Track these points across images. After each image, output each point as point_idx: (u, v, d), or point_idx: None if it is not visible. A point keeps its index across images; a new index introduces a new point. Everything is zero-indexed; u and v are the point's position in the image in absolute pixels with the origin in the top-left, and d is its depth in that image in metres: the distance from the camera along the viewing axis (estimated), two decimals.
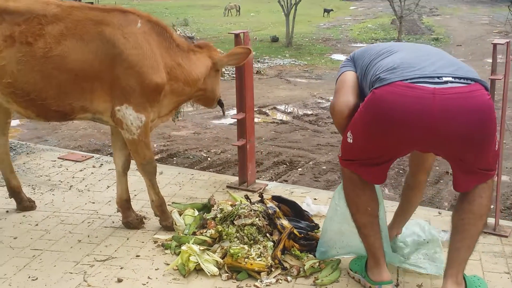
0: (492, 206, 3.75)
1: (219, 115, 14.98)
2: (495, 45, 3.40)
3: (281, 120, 12.26)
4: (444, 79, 2.57)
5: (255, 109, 12.52)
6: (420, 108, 2.53)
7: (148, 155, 3.62)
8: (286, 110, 13.50)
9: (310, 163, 9.17)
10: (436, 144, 2.67)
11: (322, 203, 4.05)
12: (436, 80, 2.56)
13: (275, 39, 28.20)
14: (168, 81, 3.55)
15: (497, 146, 2.76)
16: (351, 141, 2.82)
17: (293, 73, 19.59)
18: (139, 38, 3.46)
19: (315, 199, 4.16)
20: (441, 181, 8.32)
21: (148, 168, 3.65)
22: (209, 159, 8.16)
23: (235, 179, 4.58)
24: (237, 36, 4.17)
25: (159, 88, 3.49)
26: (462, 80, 2.58)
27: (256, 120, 11.64)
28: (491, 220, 3.66)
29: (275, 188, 4.45)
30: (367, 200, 2.95)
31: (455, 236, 2.85)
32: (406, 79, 2.57)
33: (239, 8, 40.21)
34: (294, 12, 33.87)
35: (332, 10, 41.11)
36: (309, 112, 12.96)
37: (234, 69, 4.36)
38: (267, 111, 12.98)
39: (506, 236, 3.57)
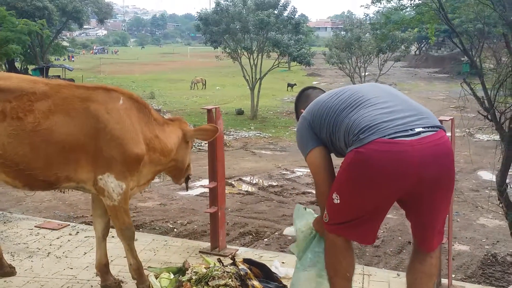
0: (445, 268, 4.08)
1: (184, 186, 15.17)
2: (441, 121, 3.78)
3: (246, 191, 12.54)
4: (416, 130, 2.86)
5: None
6: (403, 160, 2.80)
7: (127, 221, 3.86)
8: (251, 181, 13.83)
9: (276, 233, 9.41)
10: (414, 191, 2.91)
11: (289, 266, 4.30)
12: (410, 132, 2.85)
13: (240, 112, 28.97)
14: (147, 152, 3.85)
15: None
16: (338, 201, 2.98)
17: (258, 145, 20.08)
18: (121, 113, 3.78)
19: (283, 262, 4.42)
20: (404, 251, 8.63)
21: (127, 233, 3.89)
22: (175, 230, 8.31)
23: (207, 244, 4.82)
24: (209, 111, 4.52)
25: (139, 158, 3.78)
26: (430, 129, 2.90)
27: None
28: (444, 281, 3.98)
29: (245, 252, 4.71)
30: (347, 266, 3.11)
31: None
32: (385, 136, 2.83)
33: (205, 82, 41.19)
34: (258, 86, 34.71)
35: (295, 84, 42.48)
36: (274, 183, 13.29)
37: (206, 142, 4.66)
38: (233, 182, 13.27)
39: None
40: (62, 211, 9.68)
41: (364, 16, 44.19)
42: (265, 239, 8.96)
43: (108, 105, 3.77)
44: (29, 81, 3.85)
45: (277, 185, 13.07)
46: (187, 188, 4.47)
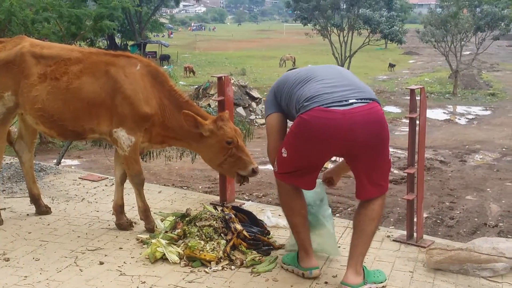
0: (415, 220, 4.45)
1: (264, 161, 15.78)
2: (412, 90, 4.19)
3: (325, 167, 12.95)
4: (350, 101, 3.45)
5: None
6: (334, 125, 3.41)
7: (136, 169, 4.52)
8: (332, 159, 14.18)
9: (349, 209, 9.78)
10: (347, 151, 3.54)
11: (282, 218, 4.79)
12: (344, 102, 3.44)
13: None
14: (155, 115, 4.44)
15: (390, 157, 3.64)
16: (286, 155, 3.64)
17: None
18: (136, 77, 4.44)
19: (279, 215, 4.90)
20: (478, 232, 8.78)
21: (136, 180, 4.55)
22: (250, 201, 8.82)
23: (218, 198, 5.41)
24: (219, 79, 5.06)
25: (147, 116, 4.41)
26: (363, 100, 3.47)
27: None
28: (414, 234, 4.36)
29: (249, 206, 5.24)
30: (300, 204, 3.78)
31: (354, 235, 3.65)
32: (322, 105, 3.44)
33: (294, 60, 41.50)
34: (348, 64, 34.58)
35: (395, 65, 42.04)
36: None
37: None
38: None
39: (425, 247, 4.23)
40: (147, 180, 10.54)
41: None
42: (337, 214, 9.28)
43: (126, 69, 4.45)
44: (67, 49, 4.68)
45: None
46: (239, 184, 4.52)
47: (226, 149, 4.29)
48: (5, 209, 5.07)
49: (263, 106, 21.61)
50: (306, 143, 3.52)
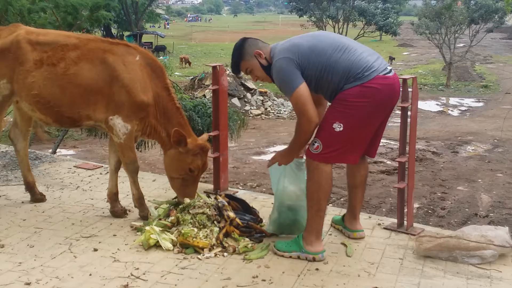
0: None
1: (258, 151, 15.79)
2: (404, 79, 4.22)
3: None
4: (388, 68, 3.71)
5: None
6: (395, 91, 3.73)
7: (131, 157, 4.56)
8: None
9: (342, 199, 9.81)
10: (388, 115, 3.86)
11: None
12: (388, 69, 3.70)
13: None
14: (151, 105, 4.48)
15: None
16: (341, 129, 3.62)
17: None
18: (134, 66, 4.46)
19: (272, 203, 4.96)
20: (469, 222, 8.85)
21: (130, 167, 4.59)
22: (243, 190, 8.85)
23: (211, 186, 5.45)
24: (214, 68, 5.08)
25: (144, 105, 4.43)
26: (391, 68, 3.78)
27: None
28: (405, 222, 4.42)
29: (243, 194, 5.29)
30: (331, 189, 3.86)
31: (358, 189, 4.15)
32: (379, 73, 3.63)
33: None
34: None
35: (394, 58, 41.87)
36: None
37: (211, 96, 5.19)
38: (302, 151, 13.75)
39: (414, 235, 4.29)
40: (142, 169, 10.58)
41: None
42: (329, 204, 9.32)
43: (125, 58, 4.47)
44: (63, 35, 4.70)
45: None
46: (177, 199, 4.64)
47: (184, 172, 4.45)
48: (0, 196, 5.11)
49: (258, 97, 21.60)
50: (372, 111, 3.65)
